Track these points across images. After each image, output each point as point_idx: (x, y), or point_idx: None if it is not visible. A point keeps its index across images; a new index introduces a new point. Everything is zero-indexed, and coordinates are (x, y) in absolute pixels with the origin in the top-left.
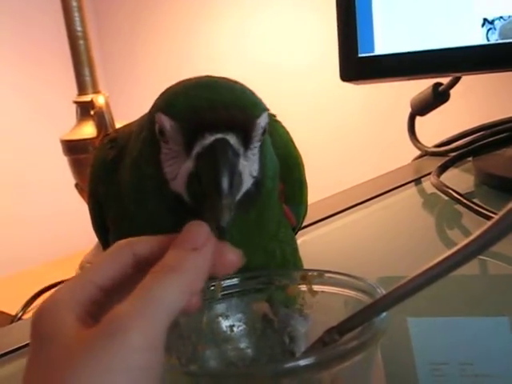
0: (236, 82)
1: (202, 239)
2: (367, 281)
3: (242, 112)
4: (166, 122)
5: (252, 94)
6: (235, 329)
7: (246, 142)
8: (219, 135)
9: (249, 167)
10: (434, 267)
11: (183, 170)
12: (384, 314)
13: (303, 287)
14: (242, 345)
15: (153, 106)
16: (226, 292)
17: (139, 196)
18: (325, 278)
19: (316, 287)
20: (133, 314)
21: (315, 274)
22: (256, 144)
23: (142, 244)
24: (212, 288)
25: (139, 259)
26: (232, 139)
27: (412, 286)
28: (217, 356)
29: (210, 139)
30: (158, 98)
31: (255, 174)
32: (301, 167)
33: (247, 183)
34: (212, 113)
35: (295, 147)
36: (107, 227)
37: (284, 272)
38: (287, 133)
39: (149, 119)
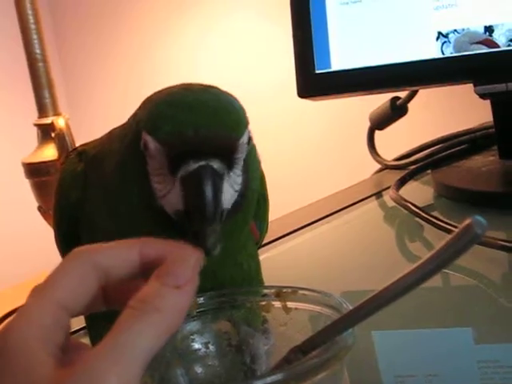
0: (220, 93)
1: (187, 276)
2: (338, 298)
3: (226, 137)
4: (150, 142)
5: (235, 107)
6: (210, 346)
7: (230, 164)
8: (203, 162)
9: (232, 184)
10: (399, 281)
11: (173, 196)
12: (349, 330)
13: (277, 304)
14: (217, 362)
15: (136, 115)
16: (201, 309)
17: (125, 202)
18: (298, 295)
19: (290, 304)
20: (109, 362)
21: (289, 290)
22: (240, 162)
23: (104, 256)
24: None
25: (102, 272)
26: (216, 164)
27: (376, 303)
28: (191, 374)
29: (193, 166)
30: (142, 109)
31: (238, 188)
32: (264, 183)
33: (232, 200)
34: (197, 141)
35: None
36: (73, 241)
37: (256, 289)
38: None
39: (133, 129)
